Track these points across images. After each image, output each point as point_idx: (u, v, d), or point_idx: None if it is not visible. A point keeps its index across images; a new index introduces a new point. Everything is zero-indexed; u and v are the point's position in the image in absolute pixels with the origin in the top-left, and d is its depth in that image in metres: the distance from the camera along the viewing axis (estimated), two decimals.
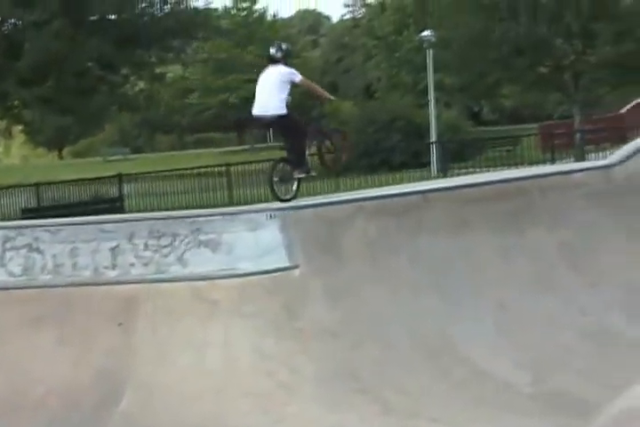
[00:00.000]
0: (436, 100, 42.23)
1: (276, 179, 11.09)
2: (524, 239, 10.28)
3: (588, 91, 40.16)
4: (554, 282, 9.97)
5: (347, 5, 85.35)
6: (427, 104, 42.24)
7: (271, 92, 11.34)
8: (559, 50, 38.73)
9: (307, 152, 11.47)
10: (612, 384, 6.52)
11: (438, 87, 43.38)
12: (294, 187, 11.28)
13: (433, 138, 40.28)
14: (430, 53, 40.29)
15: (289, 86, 11.33)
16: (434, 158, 37.95)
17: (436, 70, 41.06)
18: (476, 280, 9.64)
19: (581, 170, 11.84)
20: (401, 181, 26.97)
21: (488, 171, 28.42)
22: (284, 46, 11.74)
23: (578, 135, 38.02)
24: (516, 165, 31.33)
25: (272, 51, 11.57)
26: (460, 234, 9.91)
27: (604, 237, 10.81)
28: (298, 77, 11.31)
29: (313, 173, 11.57)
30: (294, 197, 11.22)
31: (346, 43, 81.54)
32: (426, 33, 40.09)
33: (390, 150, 40.46)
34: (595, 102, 44.04)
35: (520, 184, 10.96)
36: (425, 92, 44.52)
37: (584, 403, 7.41)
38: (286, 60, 11.55)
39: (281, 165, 11.42)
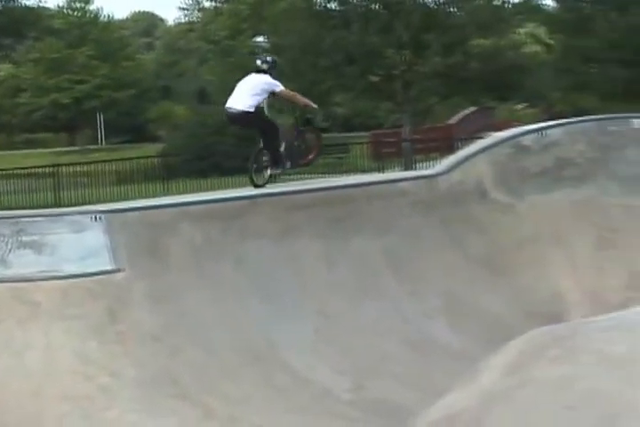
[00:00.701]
0: (270, 106, 42.33)
1: (255, 166, 12.20)
2: (349, 246, 10.39)
3: (418, 101, 40.90)
4: (377, 289, 10.09)
5: (182, 9, 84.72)
6: None
7: (246, 92, 12.51)
8: (390, 59, 39.34)
9: (280, 150, 12.51)
10: (431, 391, 6.62)
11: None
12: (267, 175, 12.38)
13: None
14: None
15: (266, 95, 12.59)
16: None
17: None
18: (301, 286, 9.69)
19: (407, 179, 12.05)
20: (231, 186, 26.92)
21: (321, 177, 28.66)
22: (269, 59, 12.94)
23: (406, 144, 38.69)
24: (347, 172, 31.67)
25: (258, 62, 12.79)
26: (285, 240, 9.95)
27: (427, 246, 11.02)
28: (279, 88, 12.57)
29: (278, 171, 12.52)
30: (267, 183, 12.28)
31: (180, 46, 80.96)
32: (259, 39, 40.21)
33: (223, 155, 40.37)
34: (424, 112, 44.87)
35: (346, 192, 11.08)
36: None
37: (403, 409, 7.52)
38: (272, 71, 12.73)
39: (260, 156, 12.46)
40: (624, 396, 3.94)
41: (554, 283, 11.42)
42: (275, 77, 12.74)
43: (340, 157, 38.82)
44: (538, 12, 44.32)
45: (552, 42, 44.97)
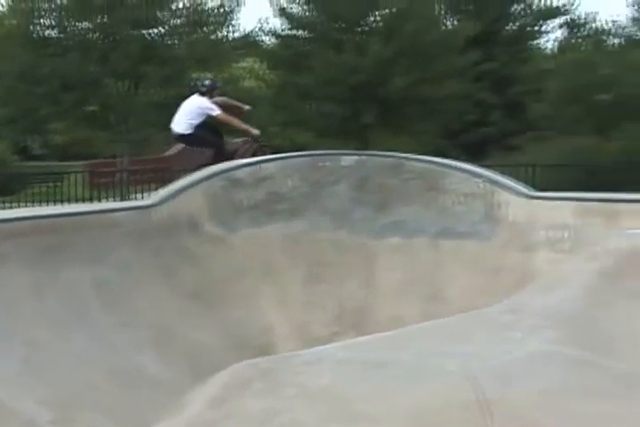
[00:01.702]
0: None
1: None
2: (59, 276, 10.12)
3: (136, 131, 40.69)
4: (86, 320, 9.88)
5: None
6: None
7: (183, 115, 13.55)
8: (108, 89, 38.99)
9: (219, 159, 13.22)
10: (137, 423, 6.53)
11: None
12: None
13: None
14: None
15: (202, 117, 13.41)
16: None
17: None
18: (8, 318, 9.36)
19: (120, 209, 11.89)
20: None
21: (34, 206, 28.02)
22: (206, 82, 13.95)
23: (123, 175, 38.37)
24: (62, 201, 31.07)
25: (198, 84, 13.78)
26: None
27: (139, 277, 10.91)
28: (214, 112, 13.42)
29: None
30: None
31: None
32: None
33: None
34: (142, 143, 44.66)
35: (57, 221, 10.81)
36: None
37: None
38: (211, 94, 13.61)
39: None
40: None
41: (264, 316, 11.57)
42: (210, 98, 13.45)
43: (55, 186, 38.01)
44: (256, 48, 45.14)
45: (270, 77, 45.86)
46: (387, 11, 42.96)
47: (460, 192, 12.42)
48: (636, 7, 45.50)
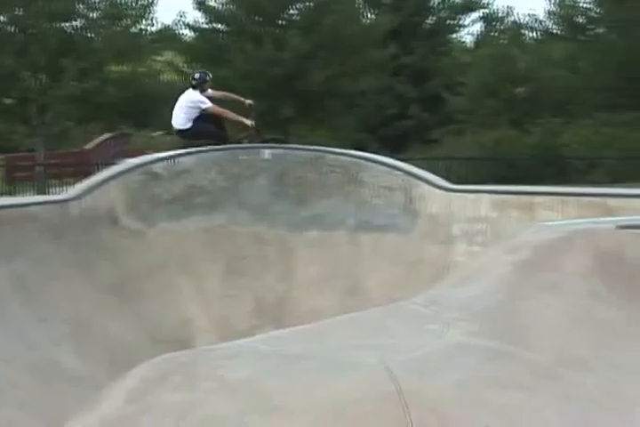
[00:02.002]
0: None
1: None
2: None
3: (53, 125, 40.23)
4: (3, 315, 9.76)
5: None
6: None
7: (178, 110, 13.71)
8: (25, 82, 38.47)
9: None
10: (55, 418, 6.47)
11: None
12: None
13: None
14: None
15: (196, 111, 13.56)
16: None
17: None
18: None
19: (38, 203, 11.76)
20: None
21: None
22: (196, 75, 14.08)
23: (40, 169, 37.92)
24: None
25: (191, 77, 13.99)
26: None
27: (57, 272, 10.79)
28: (205, 105, 13.61)
29: None
30: None
31: None
32: None
33: None
34: (60, 137, 44.19)
35: None
36: None
37: None
38: (202, 86, 13.83)
39: None
40: (241, 421, 4.02)
41: (183, 310, 11.53)
42: (202, 91, 13.70)
43: None
44: (175, 41, 44.86)
45: (189, 71, 45.62)
46: (306, 4, 43.03)
47: (380, 185, 12.49)
48: (552, 1, 46.08)
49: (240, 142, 13.77)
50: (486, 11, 56.31)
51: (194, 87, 13.85)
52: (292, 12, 43.31)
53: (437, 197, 12.11)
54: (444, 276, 9.53)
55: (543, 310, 5.75)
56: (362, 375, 4.34)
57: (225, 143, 13.40)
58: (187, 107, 13.65)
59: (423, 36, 51.90)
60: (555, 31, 47.45)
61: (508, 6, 70.98)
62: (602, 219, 8.54)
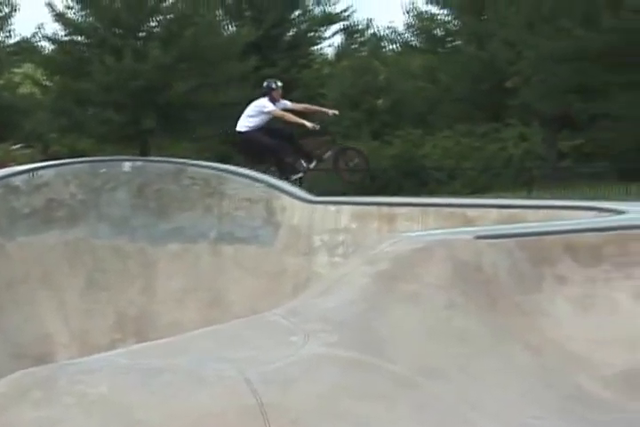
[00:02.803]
0: None
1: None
2: None
3: None
4: None
5: None
6: None
7: (244, 115, 14.52)
8: None
9: (282, 163, 14.37)
10: None
11: None
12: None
13: None
14: None
15: (263, 116, 14.33)
16: None
17: None
18: None
19: None
20: None
21: None
22: (265, 83, 14.89)
23: None
24: None
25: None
26: None
27: None
28: (267, 109, 14.38)
29: (299, 175, 14.42)
30: None
31: None
32: None
33: None
34: None
35: None
36: None
37: None
38: (269, 94, 14.57)
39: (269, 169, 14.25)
40: None
41: (43, 324, 11.34)
42: (272, 99, 14.38)
43: None
44: (34, 53, 44.14)
45: (48, 83, 44.89)
46: (166, 16, 42.83)
47: (241, 197, 12.50)
48: (411, 13, 46.84)
49: (322, 160, 14.83)
50: (346, 23, 56.90)
51: (263, 95, 14.61)
52: (152, 24, 43.05)
53: (298, 209, 12.18)
54: (305, 287, 9.59)
55: (402, 320, 5.84)
56: (222, 388, 4.34)
57: (278, 156, 14.30)
58: (252, 111, 14.45)
59: (284, 48, 52.11)
60: (414, 43, 48.24)
61: (368, 19, 71.84)
62: (461, 229, 8.73)
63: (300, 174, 14.48)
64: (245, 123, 14.42)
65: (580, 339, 6.85)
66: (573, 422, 5.70)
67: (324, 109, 15.17)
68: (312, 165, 14.56)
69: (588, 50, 32.10)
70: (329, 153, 14.55)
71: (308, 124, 14.38)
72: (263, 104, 14.49)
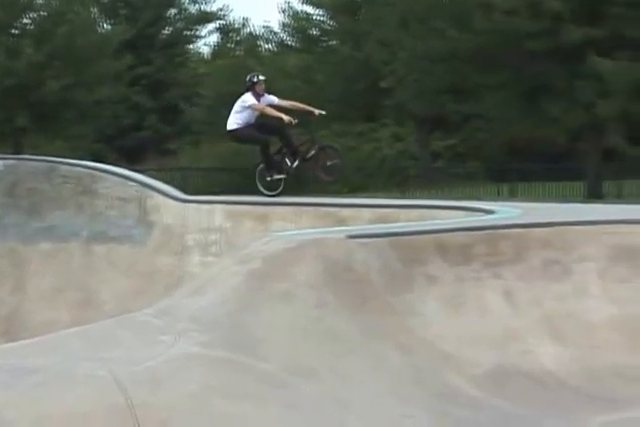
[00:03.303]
0: None
1: (257, 178, 14.28)
2: None
3: None
4: None
5: None
6: None
7: (232, 112, 14.29)
8: None
9: (270, 158, 14.22)
10: None
11: None
12: (276, 185, 14.13)
13: None
14: None
15: (247, 110, 14.13)
16: None
17: None
18: None
19: None
20: None
21: None
22: (247, 78, 14.54)
23: None
24: None
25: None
26: None
27: None
28: (247, 103, 14.16)
29: (283, 176, 14.12)
30: (277, 195, 13.94)
31: None
32: None
33: None
34: None
35: None
36: None
37: None
38: (252, 88, 14.27)
39: (258, 168, 14.43)
40: None
41: None
42: (255, 94, 14.14)
43: None
44: None
45: None
46: (40, 13, 42.13)
47: (114, 196, 12.39)
48: (286, 13, 46.93)
49: (305, 159, 14.34)
50: (222, 22, 56.74)
51: (247, 90, 14.34)
52: (25, 21, 42.29)
53: (172, 208, 12.14)
54: (177, 287, 9.56)
55: (274, 319, 5.87)
56: (91, 388, 4.31)
57: (264, 150, 14.21)
58: (237, 107, 14.26)
59: (160, 46, 51.73)
60: (290, 43, 48.37)
61: (244, 18, 71.59)
62: (333, 229, 8.81)
63: (284, 176, 14.21)
64: (233, 120, 14.14)
65: (450, 338, 6.97)
66: (442, 419, 5.81)
67: (310, 108, 15.04)
68: (295, 165, 14.33)
69: (460, 51, 32.55)
70: (312, 151, 14.38)
71: (285, 117, 14.25)
72: (244, 99, 14.27)
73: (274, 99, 14.60)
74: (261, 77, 14.57)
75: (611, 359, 7.38)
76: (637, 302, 7.90)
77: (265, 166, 14.31)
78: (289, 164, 14.30)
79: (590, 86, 29.53)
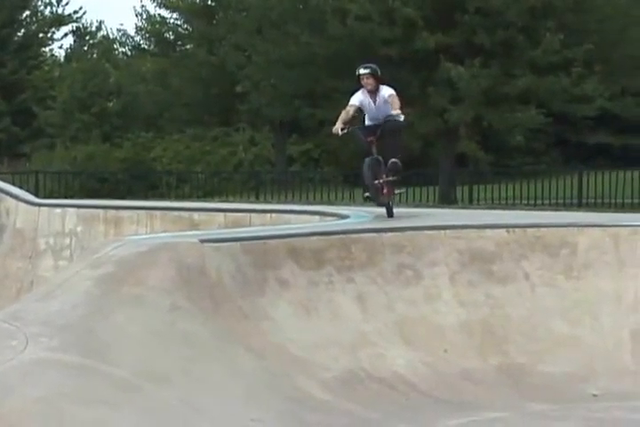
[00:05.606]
0: None
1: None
2: None
3: None
4: None
5: None
6: None
7: None
8: None
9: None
10: None
11: None
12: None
13: None
14: None
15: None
16: None
17: None
18: None
19: None
20: None
21: None
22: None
23: None
24: None
25: None
26: None
27: None
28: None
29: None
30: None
31: None
32: None
33: None
34: None
35: None
36: None
37: None
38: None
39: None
40: None
41: None
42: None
43: None
44: None
45: None
46: None
47: None
48: (141, 16, 46.43)
49: None
50: (77, 25, 55.82)
51: None
52: None
53: (23, 212, 11.94)
54: (29, 291, 9.41)
55: (126, 324, 5.84)
56: None
57: None
58: None
59: (14, 48, 50.59)
60: (145, 47, 47.89)
61: (98, 20, 70.51)
62: (186, 233, 8.80)
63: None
64: None
65: (302, 342, 7.04)
66: (293, 423, 5.87)
67: None
68: None
69: (315, 56, 32.72)
70: None
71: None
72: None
73: None
74: None
75: (460, 363, 7.56)
76: (486, 306, 8.12)
77: None
78: None
79: (443, 92, 30.02)
